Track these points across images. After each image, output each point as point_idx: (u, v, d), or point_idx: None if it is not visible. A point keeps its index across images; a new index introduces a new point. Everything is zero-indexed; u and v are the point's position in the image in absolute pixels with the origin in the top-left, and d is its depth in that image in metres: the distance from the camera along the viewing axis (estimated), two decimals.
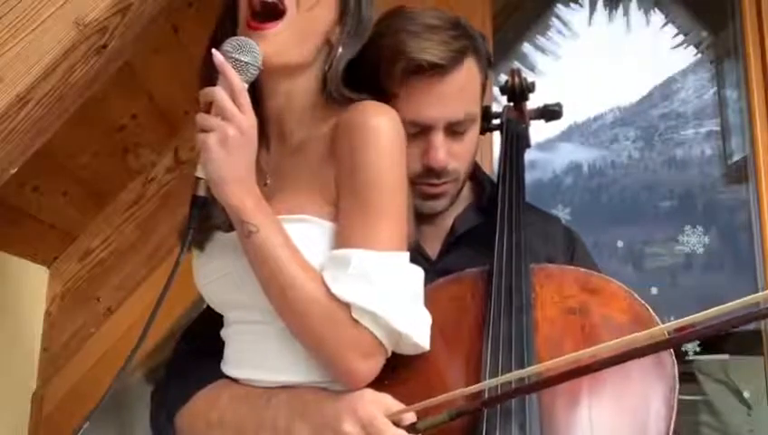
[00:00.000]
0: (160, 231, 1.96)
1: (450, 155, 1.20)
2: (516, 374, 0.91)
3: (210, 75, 1.02)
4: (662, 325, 0.93)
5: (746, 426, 2.64)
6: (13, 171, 1.24)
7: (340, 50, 1.09)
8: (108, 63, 1.26)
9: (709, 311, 0.76)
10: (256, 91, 1.09)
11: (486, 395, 0.93)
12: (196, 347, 1.18)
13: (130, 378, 1.93)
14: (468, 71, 1.19)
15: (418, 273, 1.02)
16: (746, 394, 2.67)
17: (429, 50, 1.14)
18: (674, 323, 0.80)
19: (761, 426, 2.61)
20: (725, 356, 2.68)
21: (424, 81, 1.15)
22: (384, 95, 1.13)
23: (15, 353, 1.81)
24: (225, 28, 1.09)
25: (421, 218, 1.20)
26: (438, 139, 1.18)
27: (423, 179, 1.20)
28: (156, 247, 1.96)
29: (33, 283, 1.88)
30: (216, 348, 1.11)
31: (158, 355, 1.78)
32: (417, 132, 1.17)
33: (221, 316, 1.13)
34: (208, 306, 1.18)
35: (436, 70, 1.15)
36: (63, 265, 1.94)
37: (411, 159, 1.14)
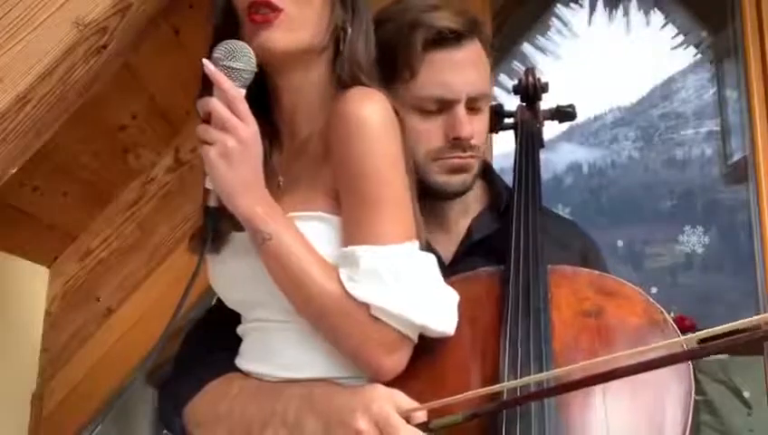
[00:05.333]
0: (160, 231, 1.95)
1: (473, 130, 1.22)
2: (534, 378, 0.91)
3: (211, 84, 1.02)
4: (683, 337, 0.94)
5: (746, 426, 2.64)
6: (13, 171, 1.24)
7: (350, 31, 1.08)
8: (108, 63, 1.26)
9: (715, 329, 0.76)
10: (269, 91, 1.08)
11: (505, 396, 0.92)
12: (205, 341, 1.17)
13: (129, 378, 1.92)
14: (479, 47, 1.24)
15: (430, 259, 1.01)
16: (746, 394, 2.67)
17: (446, 18, 1.19)
18: (700, 334, 0.80)
19: (761, 426, 2.61)
20: (725, 356, 2.67)
21: (443, 52, 1.19)
22: (402, 77, 1.18)
23: (15, 353, 1.81)
24: (222, 35, 1.06)
25: (434, 223, 1.21)
26: (462, 111, 1.21)
27: (449, 153, 1.22)
28: (156, 247, 1.95)
29: (33, 283, 1.88)
30: (225, 343, 1.11)
31: (157, 355, 1.78)
32: (440, 108, 1.21)
33: (230, 312, 1.12)
34: (217, 302, 1.18)
35: (454, 38, 1.19)
36: (63, 265, 1.93)
37: (434, 134, 1.20)
